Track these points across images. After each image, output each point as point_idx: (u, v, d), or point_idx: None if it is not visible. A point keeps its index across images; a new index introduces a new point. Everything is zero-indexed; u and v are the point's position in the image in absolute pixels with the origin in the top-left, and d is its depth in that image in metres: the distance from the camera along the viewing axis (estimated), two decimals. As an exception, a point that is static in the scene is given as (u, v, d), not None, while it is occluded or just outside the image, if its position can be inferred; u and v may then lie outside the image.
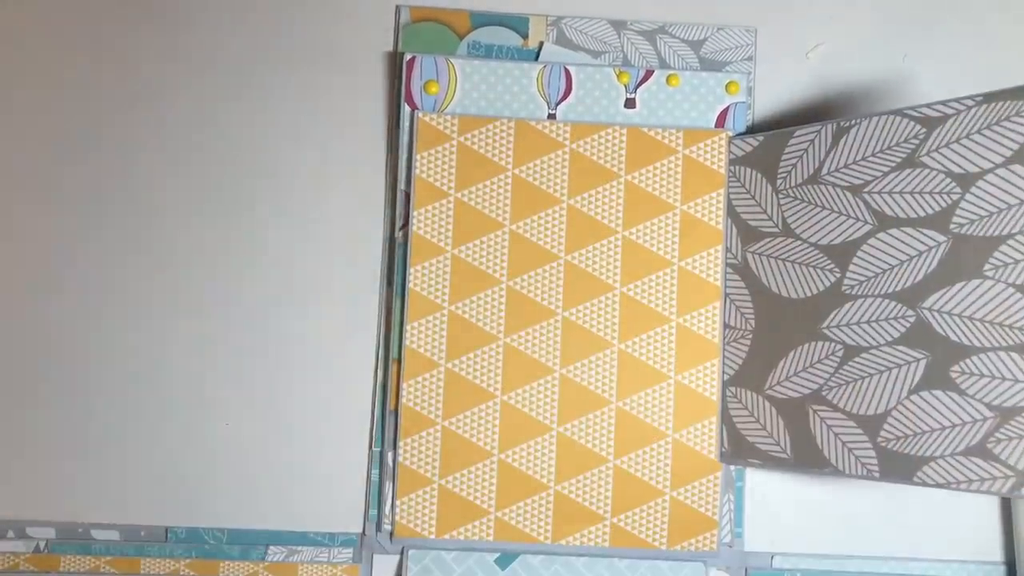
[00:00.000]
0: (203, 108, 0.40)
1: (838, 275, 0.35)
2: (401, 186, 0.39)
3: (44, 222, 0.40)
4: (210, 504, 0.39)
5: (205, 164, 0.40)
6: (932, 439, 0.31)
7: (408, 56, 0.39)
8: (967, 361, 0.31)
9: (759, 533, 0.39)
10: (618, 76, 0.39)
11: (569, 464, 0.38)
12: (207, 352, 0.39)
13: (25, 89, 0.40)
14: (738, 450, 0.38)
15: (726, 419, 0.38)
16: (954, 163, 0.31)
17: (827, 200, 0.35)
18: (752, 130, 0.40)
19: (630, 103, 0.39)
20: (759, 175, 0.38)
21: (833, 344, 0.35)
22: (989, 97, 0.30)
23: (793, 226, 0.37)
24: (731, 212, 0.39)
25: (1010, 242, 0.30)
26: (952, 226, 0.31)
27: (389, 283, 0.39)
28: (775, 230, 0.37)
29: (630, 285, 0.39)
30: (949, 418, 0.31)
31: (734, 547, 0.39)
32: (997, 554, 0.39)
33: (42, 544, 0.38)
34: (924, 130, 0.32)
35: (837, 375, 0.34)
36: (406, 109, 0.39)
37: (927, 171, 0.32)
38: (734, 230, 0.39)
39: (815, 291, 0.36)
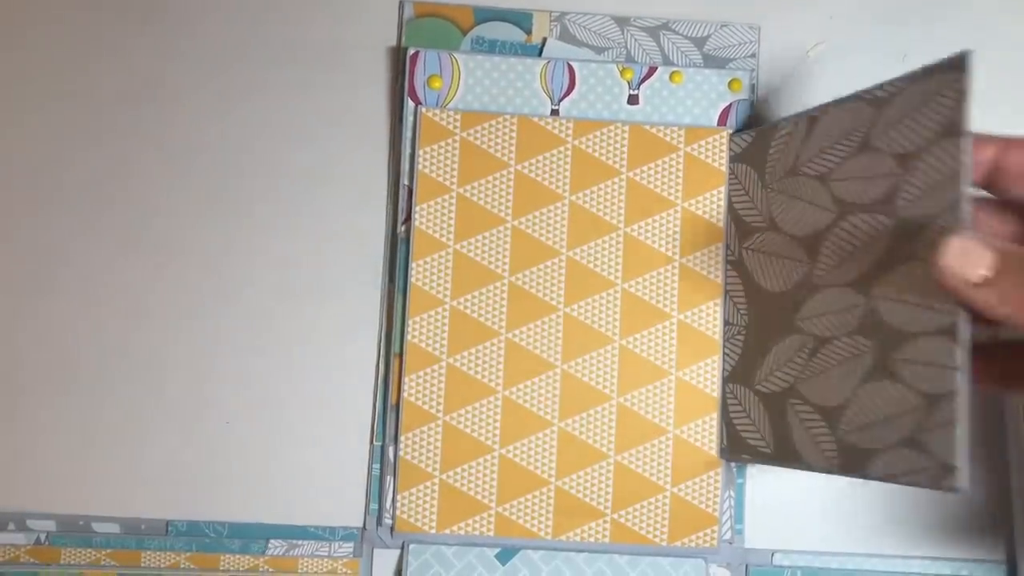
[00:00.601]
0: (203, 104, 0.40)
1: (809, 266, 0.34)
2: (404, 181, 0.39)
3: (44, 221, 0.40)
4: (211, 498, 0.39)
5: (205, 160, 0.40)
6: (878, 430, 0.30)
7: (411, 51, 0.39)
8: (905, 347, 0.29)
9: (760, 530, 0.39)
10: (621, 72, 0.39)
11: (570, 460, 0.38)
12: (208, 347, 0.39)
13: (24, 89, 0.40)
14: (734, 446, 0.38)
15: (725, 415, 0.38)
16: (898, 144, 0.31)
17: (802, 191, 0.35)
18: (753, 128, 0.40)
19: (633, 99, 0.39)
20: (752, 170, 0.38)
21: (805, 336, 0.34)
22: (926, 72, 0.29)
23: (776, 219, 0.36)
24: (731, 209, 0.39)
25: (938, 220, 0.28)
26: (897, 208, 0.30)
27: (391, 278, 0.39)
28: (763, 225, 0.37)
29: (631, 281, 0.39)
30: (891, 408, 0.30)
31: (734, 544, 0.39)
32: (997, 553, 0.39)
33: (43, 536, 0.38)
34: (876, 112, 0.32)
35: (808, 367, 0.34)
36: (409, 104, 0.39)
37: (878, 154, 0.31)
38: (733, 227, 0.39)
39: (791, 284, 0.35)
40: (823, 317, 0.33)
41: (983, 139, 0.30)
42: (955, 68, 0.28)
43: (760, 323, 0.37)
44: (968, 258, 0.26)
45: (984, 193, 0.31)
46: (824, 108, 0.34)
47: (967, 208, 0.27)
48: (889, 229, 0.31)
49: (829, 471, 0.32)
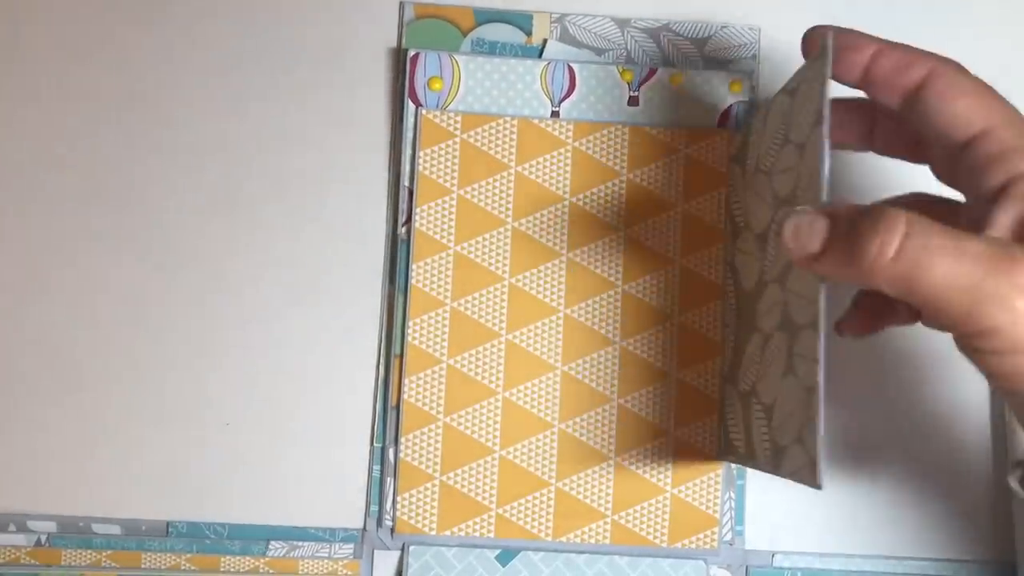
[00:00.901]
0: (203, 106, 0.40)
1: (762, 263, 0.34)
2: (404, 183, 0.39)
3: (44, 222, 0.40)
4: (211, 499, 0.39)
5: (205, 162, 0.40)
6: (787, 426, 0.30)
7: (411, 52, 0.39)
8: (797, 341, 0.29)
9: (760, 531, 0.39)
10: (622, 74, 0.39)
11: (570, 461, 0.38)
12: (208, 348, 0.39)
13: (24, 89, 0.40)
14: (727, 447, 0.38)
15: (722, 416, 0.38)
16: (797, 133, 0.30)
17: (759, 188, 0.35)
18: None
19: (633, 101, 0.39)
20: (740, 170, 0.38)
21: (760, 334, 0.34)
22: (811, 60, 0.29)
23: (749, 218, 0.36)
24: (728, 211, 0.39)
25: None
26: (796, 200, 0.30)
27: (391, 280, 0.39)
28: (743, 224, 0.37)
29: (632, 283, 0.39)
30: (793, 404, 0.29)
31: (735, 545, 0.39)
32: (998, 554, 0.39)
33: (43, 538, 0.38)
34: (791, 104, 0.32)
35: (760, 365, 0.34)
36: (409, 106, 0.39)
37: (791, 145, 0.31)
38: (730, 228, 0.39)
39: (755, 282, 0.35)
40: (767, 314, 0.33)
41: (863, 42, 0.30)
42: (822, 54, 0.28)
43: (742, 322, 0.37)
44: (806, 231, 0.26)
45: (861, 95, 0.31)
46: (769, 104, 0.34)
47: (825, 197, 0.27)
48: None
49: (768, 470, 0.32)
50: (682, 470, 0.38)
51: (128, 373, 0.39)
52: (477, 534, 0.38)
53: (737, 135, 0.39)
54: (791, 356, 0.30)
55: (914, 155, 0.32)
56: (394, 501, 0.38)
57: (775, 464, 0.31)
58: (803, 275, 0.29)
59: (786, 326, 0.31)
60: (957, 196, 0.31)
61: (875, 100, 0.30)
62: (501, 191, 0.39)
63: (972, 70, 0.29)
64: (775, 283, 0.32)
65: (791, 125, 0.31)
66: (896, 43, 0.29)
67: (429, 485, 0.38)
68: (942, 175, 0.31)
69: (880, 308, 0.33)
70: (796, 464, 0.29)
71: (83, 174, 0.40)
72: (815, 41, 0.31)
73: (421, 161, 0.39)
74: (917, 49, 0.29)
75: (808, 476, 0.27)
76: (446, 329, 0.38)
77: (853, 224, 0.25)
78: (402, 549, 0.38)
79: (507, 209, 0.39)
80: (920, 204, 0.32)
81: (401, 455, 0.38)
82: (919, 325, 0.33)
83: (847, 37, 0.30)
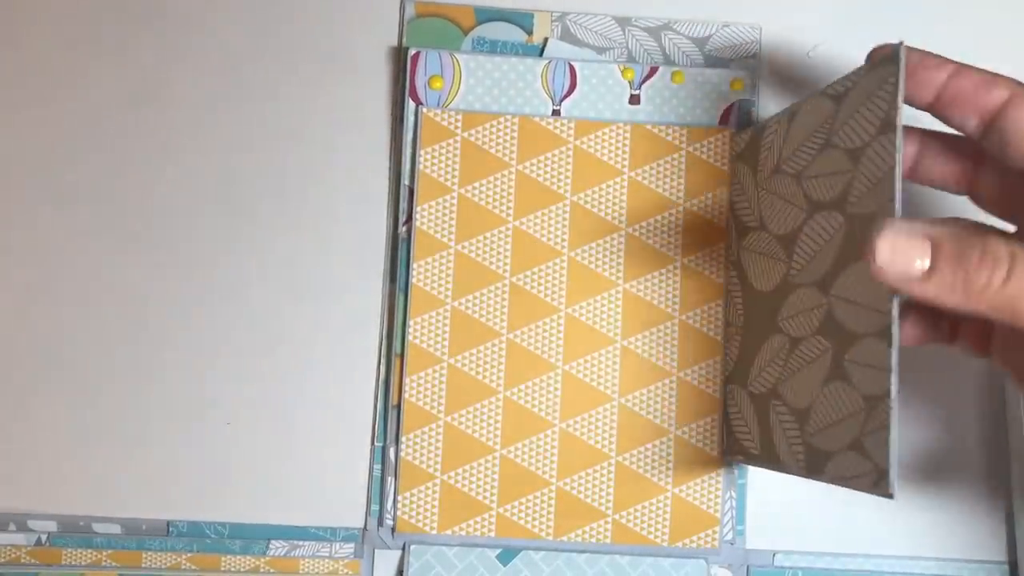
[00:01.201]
0: (203, 104, 0.40)
1: (787, 265, 0.34)
2: (405, 181, 0.39)
3: (44, 221, 0.40)
4: (212, 498, 0.39)
5: (206, 160, 0.40)
6: (833, 433, 0.30)
7: (412, 51, 0.39)
8: (853, 348, 0.29)
9: (761, 531, 0.39)
10: (623, 72, 0.39)
11: (571, 460, 0.38)
12: (209, 347, 0.39)
13: (24, 89, 0.40)
14: (731, 447, 0.38)
15: (725, 416, 0.38)
16: (850, 140, 0.30)
17: (783, 189, 0.35)
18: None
19: (635, 99, 0.39)
20: (748, 170, 0.38)
21: (784, 337, 0.34)
22: (871, 65, 0.29)
23: (764, 218, 0.36)
24: (731, 209, 0.39)
25: (876, 218, 0.28)
26: (848, 206, 0.30)
27: (392, 279, 0.39)
28: (755, 224, 0.37)
29: (633, 282, 0.39)
30: (843, 410, 0.29)
31: (736, 544, 0.39)
32: (999, 554, 0.39)
33: (43, 537, 0.38)
34: (835, 108, 0.31)
35: (786, 368, 0.34)
36: (410, 104, 0.39)
37: (836, 151, 0.31)
38: (733, 227, 0.39)
39: (775, 283, 0.35)
40: (796, 317, 0.33)
41: (940, 60, 0.29)
42: (890, 62, 0.28)
43: (752, 323, 0.37)
44: (905, 253, 0.25)
45: (930, 121, 0.31)
46: (798, 105, 0.34)
47: (899, 207, 0.27)
48: (842, 227, 0.30)
49: (799, 474, 0.32)
50: (683, 469, 0.38)
51: (128, 372, 0.39)
52: (478, 533, 0.38)
53: (742, 134, 0.39)
54: (840, 363, 0.30)
55: (959, 184, 0.32)
56: (395, 500, 0.38)
57: (812, 468, 0.31)
58: (858, 283, 0.29)
59: (830, 331, 0.31)
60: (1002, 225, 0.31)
61: (945, 120, 0.30)
62: (502, 190, 0.39)
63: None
64: (811, 287, 0.32)
65: (836, 129, 0.31)
66: (970, 65, 0.29)
67: (430, 484, 0.38)
68: (996, 203, 0.31)
69: (928, 324, 0.33)
70: (851, 471, 0.29)
71: (84, 173, 0.40)
72: (884, 53, 0.30)
73: (422, 160, 0.39)
74: (994, 72, 0.29)
75: (872, 484, 0.28)
76: (447, 328, 0.38)
77: (962, 251, 0.25)
78: (403, 548, 0.38)
79: (508, 208, 0.39)
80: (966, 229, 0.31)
81: (402, 454, 0.38)
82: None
83: (923, 56, 0.29)
